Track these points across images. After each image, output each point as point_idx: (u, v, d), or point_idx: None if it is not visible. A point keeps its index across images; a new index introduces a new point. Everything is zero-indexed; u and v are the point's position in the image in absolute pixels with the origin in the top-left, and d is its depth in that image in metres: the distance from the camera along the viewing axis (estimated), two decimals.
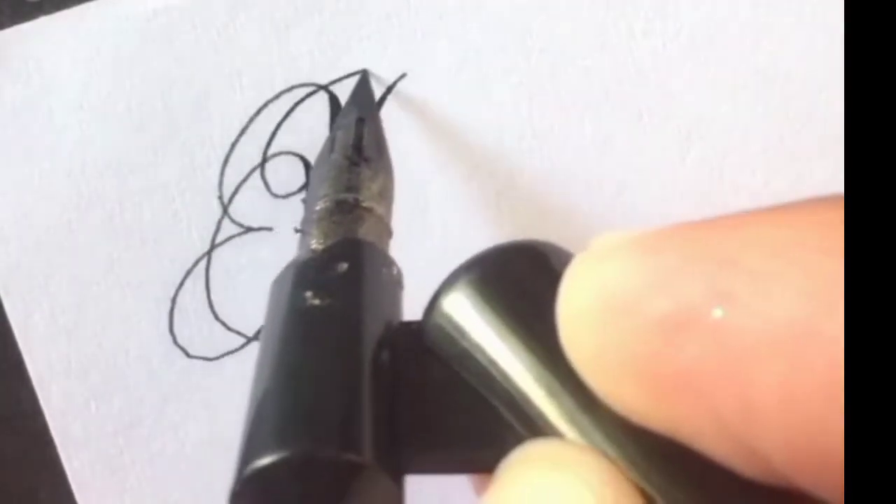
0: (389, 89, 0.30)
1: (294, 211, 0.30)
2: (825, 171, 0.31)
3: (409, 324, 0.20)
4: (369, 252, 0.23)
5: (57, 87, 0.28)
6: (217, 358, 0.31)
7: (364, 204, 0.25)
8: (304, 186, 0.30)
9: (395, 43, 0.29)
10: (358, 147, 0.27)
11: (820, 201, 0.14)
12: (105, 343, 0.30)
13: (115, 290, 0.30)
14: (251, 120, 0.29)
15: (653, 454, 0.15)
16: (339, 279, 0.21)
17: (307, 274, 0.22)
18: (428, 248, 0.31)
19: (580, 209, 0.31)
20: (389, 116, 0.30)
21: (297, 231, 0.26)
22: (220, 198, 0.30)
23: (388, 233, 0.26)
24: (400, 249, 0.25)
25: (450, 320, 0.18)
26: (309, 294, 0.21)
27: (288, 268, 0.23)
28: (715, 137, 0.31)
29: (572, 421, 0.16)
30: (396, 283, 0.23)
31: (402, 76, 0.30)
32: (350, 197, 0.25)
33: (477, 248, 0.23)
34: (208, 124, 0.29)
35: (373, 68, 0.29)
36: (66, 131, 0.28)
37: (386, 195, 0.27)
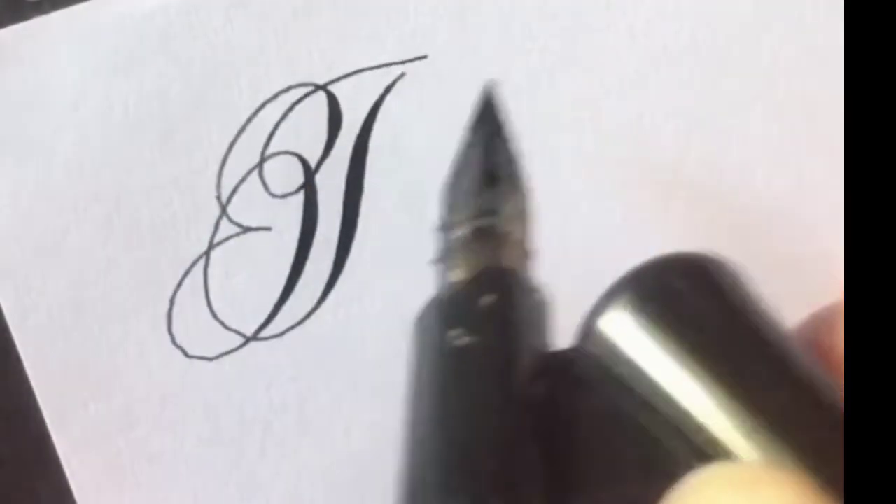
0: (388, 89, 0.30)
1: (292, 211, 0.30)
2: (825, 171, 0.31)
3: (562, 352, 0.19)
4: (514, 280, 0.22)
5: (55, 86, 0.28)
6: (216, 358, 0.31)
7: (503, 228, 0.24)
8: (303, 186, 0.30)
9: (395, 43, 0.29)
10: (490, 165, 0.25)
11: None
12: (104, 343, 0.30)
13: (114, 291, 0.30)
14: (249, 120, 0.29)
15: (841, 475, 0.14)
16: (486, 313, 0.20)
17: (451, 310, 0.21)
18: None
19: (580, 210, 0.31)
20: (389, 116, 0.30)
21: (432, 263, 0.24)
22: (219, 198, 0.30)
23: (530, 255, 0.24)
24: None
25: (605, 345, 0.17)
26: (455, 333, 0.20)
27: (431, 304, 0.22)
28: (715, 137, 0.31)
29: (753, 444, 0.15)
30: (545, 309, 0.22)
31: (402, 76, 0.30)
32: (486, 222, 0.24)
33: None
34: (206, 124, 0.29)
35: (370, 67, 0.29)
36: (63, 131, 0.28)
37: (524, 216, 0.25)
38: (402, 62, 0.29)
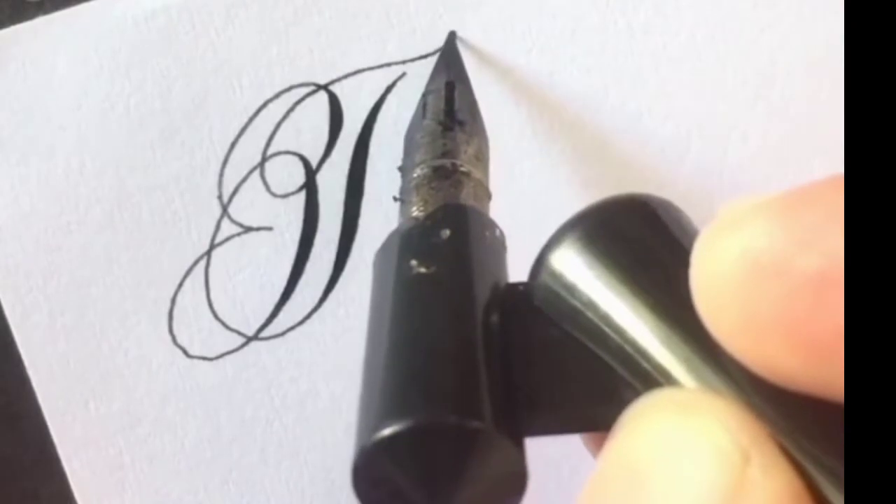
0: (389, 89, 0.30)
1: (293, 211, 0.30)
2: (825, 171, 0.31)
3: (517, 285, 0.19)
4: (471, 216, 0.23)
5: (56, 86, 0.28)
6: (217, 358, 0.31)
7: (462, 168, 0.25)
8: (304, 186, 0.30)
9: (395, 43, 0.29)
10: (450, 111, 0.27)
11: None
12: (104, 343, 0.30)
13: (115, 290, 0.30)
14: (250, 120, 0.29)
15: (784, 406, 0.15)
16: (443, 245, 0.21)
17: (411, 242, 0.22)
18: None
19: (580, 209, 0.31)
20: (390, 116, 0.30)
21: (395, 199, 0.26)
22: (220, 197, 0.30)
23: (488, 195, 0.25)
24: None
25: (559, 278, 0.18)
26: (415, 262, 0.20)
27: (391, 237, 0.22)
28: (715, 137, 0.31)
29: (694, 372, 0.16)
30: (500, 245, 0.23)
31: (402, 76, 0.30)
32: (447, 162, 0.25)
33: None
34: (207, 124, 0.29)
35: (371, 67, 0.29)
36: (65, 131, 0.28)
37: (482, 158, 0.26)
38: (403, 62, 0.29)
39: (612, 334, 0.17)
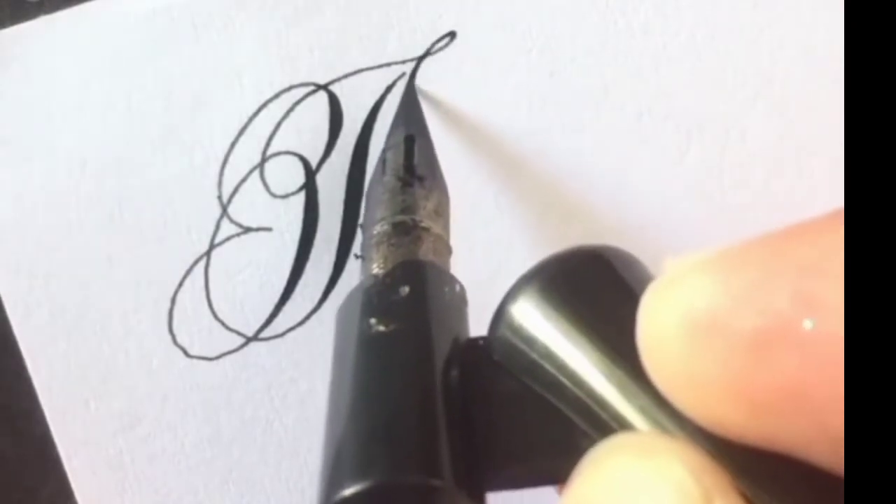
0: (389, 89, 0.30)
1: (293, 211, 0.30)
2: (825, 171, 0.31)
3: (476, 339, 0.20)
4: (430, 272, 0.23)
5: (57, 86, 0.28)
6: (216, 358, 0.31)
7: (422, 224, 0.25)
8: (304, 186, 0.30)
9: (395, 43, 0.29)
10: (409, 166, 0.27)
11: None
12: (105, 343, 0.30)
13: (115, 290, 0.30)
14: (250, 120, 0.29)
15: (737, 454, 0.15)
16: (403, 303, 0.22)
17: (371, 300, 0.22)
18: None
19: (580, 209, 0.31)
20: (390, 116, 0.30)
21: (356, 257, 0.26)
22: (220, 198, 0.30)
23: (448, 250, 0.26)
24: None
25: (516, 331, 0.18)
26: (374, 321, 0.21)
27: (351, 295, 0.23)
28: (715, 137, 0.31)
29: (652, 421, 0.16)
30: (461, 300, 0.23)
31: (402, 76, 0.30)
32: (407, 218, 0.25)
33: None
34: (208, 124, 0.29)
35: (371, 67, 0.29)
36: (65, 131, 0.28)
37: (442, 212, 0.27)
38: (403, 62, 0.29)
39: (570, 385, 0.17)
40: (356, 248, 0.27)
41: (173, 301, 0.30)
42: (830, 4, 0.30)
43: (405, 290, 0.22)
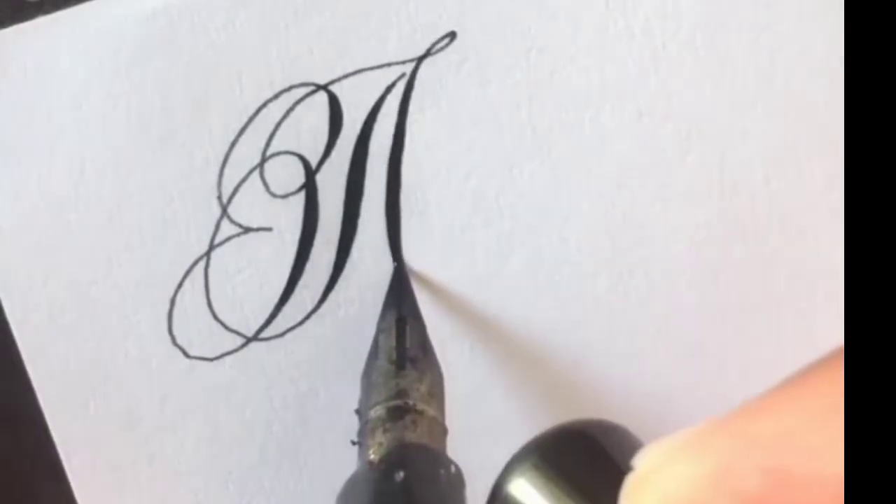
0: (389, 89, 0.30)
1: (293, 211, 0.30)
2: (825, 171, 0.31)
3: None
4: (425, 456, 0.24)
5: (56, 86, 0.28)
6: (216, 358, 0.31)
7: (416, 407, 0.26)
8: (304, 186, 0.30)
9: (395, 43, 0.29)
10: (402, 349, 0.28)
11: (824, 366, 0.15)
12: (104, 343, 0.30)
13: (115, 291, 0.30)
14: (250, 120, 0.29)
15: None
16: (397, 489, 0.23)
17: (367, 488, 0.23)
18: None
19: (580, 209, 0.31)
20: (390, 116, 0.30)
21: (353, 443, 0.27)
22: (220, 198, 0.30)
23: (443, 431, 0.26)
24: None
25: None
26: None
27: (349, 482, 0.24)
28: (715, 137, 0.31)
29: None
30: (458, 481, 0.24)
31: (402, 76, 0.30)
32: (401, 402, 0.26)
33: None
34: (207, 124, 0.29)
35: (371, 67, 0.29)
36: (65, 131, 0.28)
37: (436, 393, 0.27)
38: (403, 62, 0.29)
39: None
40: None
41: (173, 301, 0.30)
42: (830, 4, 0.30)
43: (400, 475, 0.23)
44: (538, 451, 0.19)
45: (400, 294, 0.30)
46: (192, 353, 0.31)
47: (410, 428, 0.25)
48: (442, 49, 0.29)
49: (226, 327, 0.31)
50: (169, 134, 0.29)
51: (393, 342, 0.28)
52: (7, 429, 0.31)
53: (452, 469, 0.24)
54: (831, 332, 0.32)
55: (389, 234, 0.31)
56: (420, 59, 0.29)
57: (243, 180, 0.30)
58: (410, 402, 0.26)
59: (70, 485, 0.31)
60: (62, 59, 0.28)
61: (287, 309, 0.31)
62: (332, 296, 0.31)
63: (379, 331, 0.29)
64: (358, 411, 0.28)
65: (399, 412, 0.26)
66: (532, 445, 0.19)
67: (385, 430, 0.25)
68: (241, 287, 0.31)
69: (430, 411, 0.26)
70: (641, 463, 0.16)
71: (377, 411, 0.26)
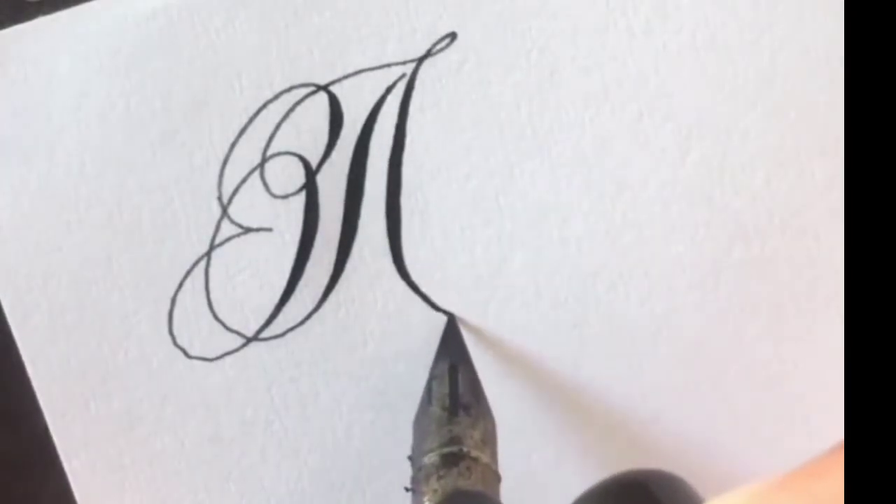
0: (389, 89, 0.30)
1: (293, 212, 0.30)
2: (825, 171, 0.31)
3: None
4: (480, 503, 0.24)
5: (56, 86, 0.28)
6: (217, 358, 0.31)
7: (470, 454, 0.26)
8: (304, 187, 0.30)
9: (395, 43, 0.29)
10: (454, 396, 0.28)
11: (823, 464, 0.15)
12: (104, 343, 0.30)
13: (115, 291, 0.30)
14: (250, 120, 0.29)
15: None
16: None
17: None
18: None
19: (580, 209, 0.31)
20: (390, 116, 0.30)
21: (407, 490, 0.27)
22: (220, 198, 0.30)
23: (497, 478, 0.26)
24: None
25: None
26: None
27: None
28: (715, 137, 0.31)
29: None
30: None
31: (402, 76, 0.30)
32: (455, 449, 0.26)
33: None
34: (207, 125, 0.29)
35: (371, 68, 0.29)
36: (65, 131, 0.28)
37: (489, 440, 0.27)
38: (403, 62, 0.29)
39: None
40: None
41: (173, 302, 0.30)
42: (830, 4, 0.30)
43: None
44: (595, 500, 0.19)
45: (451, 343, 0.30)
46: (192, 353, 0.31)
47: (465, 475, 0.25)
48: (442, 49, 0.29)
49: (226, 327, 0.31)
50: (169, 134, 0.29)
51: (446, 389, 0.28)
52: (7, 429, 0.31)
53: None
54: (831, 332, 0.32)
55: (389, 234, 0.31)
56: (420, 60, 0.29)
57: (243, 180, 0.30)
58: (465, 449, 0.26)
59: (70, 485, 0.31)
60: (62, 59, 0.28)
61: (287, 309, 0.31)
62: (333, 296, 0.31)
63: (431, 377, 0.30)
64: (411, 458, 0.28)
65: (453, 459, 0.26)
66: (588, 495, 0.20)
67: (439, 478, 0.25)
68: (242, 287, 0.31)
69: (484, 458, 0.26)
70: None
71: (431, 458, 0.26)
